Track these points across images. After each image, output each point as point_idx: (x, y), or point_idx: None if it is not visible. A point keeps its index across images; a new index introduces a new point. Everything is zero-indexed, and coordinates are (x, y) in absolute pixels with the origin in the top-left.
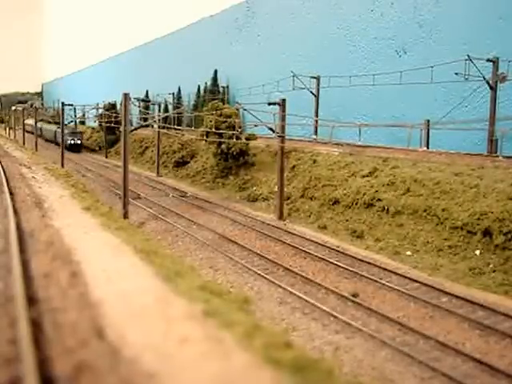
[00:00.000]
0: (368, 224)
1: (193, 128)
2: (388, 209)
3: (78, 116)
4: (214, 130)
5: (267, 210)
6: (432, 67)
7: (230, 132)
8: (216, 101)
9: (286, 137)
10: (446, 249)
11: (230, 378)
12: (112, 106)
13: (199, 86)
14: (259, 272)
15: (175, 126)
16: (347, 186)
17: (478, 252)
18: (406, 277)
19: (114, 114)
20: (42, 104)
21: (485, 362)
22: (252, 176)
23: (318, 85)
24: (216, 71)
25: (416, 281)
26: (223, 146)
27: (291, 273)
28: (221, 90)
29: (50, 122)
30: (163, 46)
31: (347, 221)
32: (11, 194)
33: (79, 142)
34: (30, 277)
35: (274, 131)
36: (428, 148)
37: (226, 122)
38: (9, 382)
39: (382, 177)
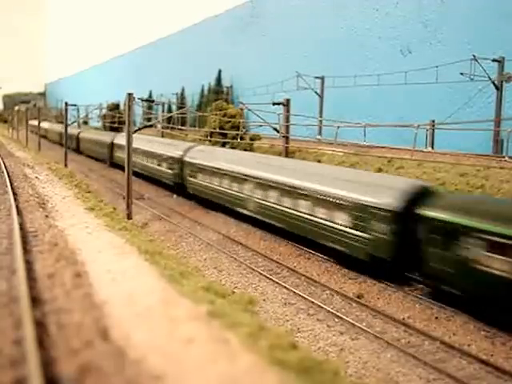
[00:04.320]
0: None
1: (197, 128)
2: None
3: (81, 116)
4: (217, 130)
5: None
6: (437, 67)
7: (234, 132)
8: (220, 101)
9: (291, 137)
10: None
11: (236, 380)
12: (115, 106)
13: (203, 86)
14: (263, 273)
15: (179, 126)
16: None
17: None
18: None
19: (118, 115)
20: (45, 104)
21: (491, 364)
22: None
23: (323, 85)
24: (220, 71)
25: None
26: (227, 146)
27: (296, 274)
28: (225, 90)
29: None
30: (167, 46)
31: None
32: (15, 194)
33: None
34: (34, 277)
35: (278, 131)
36: (433, 148)
37: (229, 122)
38: (15, 383)
39: None
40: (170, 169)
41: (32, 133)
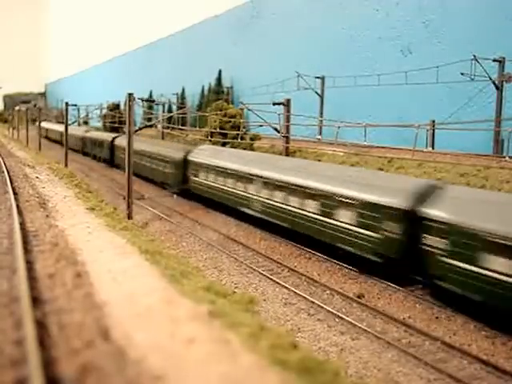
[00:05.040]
0: None
1: (197, 128)
2: None
3: (81, 116)
4: (218, 130)
5: None
6: (437, 67)
7: (235, 132)
8: (220, 101)
9: (291, 137)
10: None
11: (237, 380)
12: (116, 106)
13: (203, 87)
14: (264, 273)
15: (179, 126)
16: None
17: None
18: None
19: (118, 115)
20: (46, 104)
21: (491, 364)
22: None
23: (323, 85)
24: (220, 71)
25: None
26: (227, 146)
27: (296, 273)
28: (225, 90)
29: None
30: (167, 46)
31: None
32: (15, 194)
33: None
34: (35, 277)
35: (278, 131)
36: (433, 148)
37: (230, 122)
38: (16, 383)
39: None
40: (370, 228)
41: (42, 137)
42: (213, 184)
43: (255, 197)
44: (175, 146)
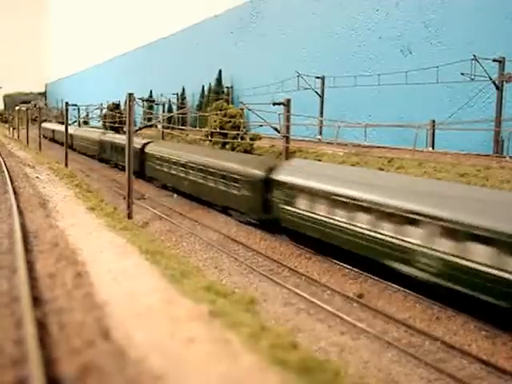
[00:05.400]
0: None
1: (197, 128)
2: None
3: (81, 116)
4: (218, 130)
5: None
6: (437, 67)
7: (235, 132)
8: (220, 101)
9: (291, 137)
10: None
11: (237, 380)
12: (116, 106)
13: (203, 87)
14: (264, 273)
15: (179, 126)
16: None
17: None
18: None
19: (118, 115)
20: (46, 104)
21: (491, 364)
22: None
23: (323, 85)
24: (220, 71)
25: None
26: (227, 146)
27: (296, 273)
28: (225, 90)
29: None
30: (167, 46)
31: None
32: (15, 194)
33: None
34: (35, 277)
35: (278, 131)
36: (433, 148)
37: (230, 122)
38: (16, 383)
39: None
40: None
41: (48, 139)
42: (325, 219)
43: (425, 250)
44: (248, 159)
